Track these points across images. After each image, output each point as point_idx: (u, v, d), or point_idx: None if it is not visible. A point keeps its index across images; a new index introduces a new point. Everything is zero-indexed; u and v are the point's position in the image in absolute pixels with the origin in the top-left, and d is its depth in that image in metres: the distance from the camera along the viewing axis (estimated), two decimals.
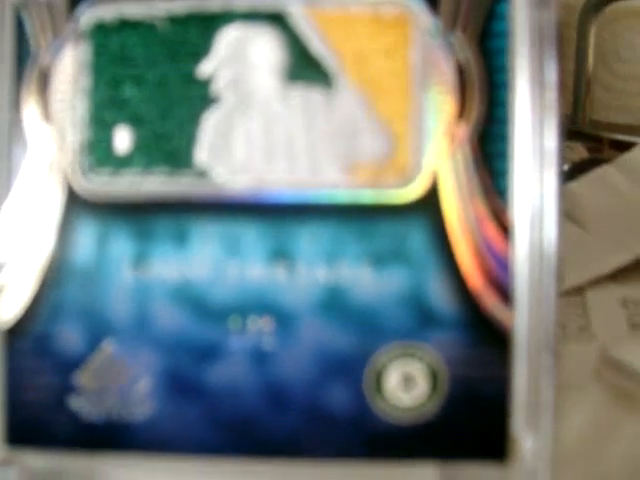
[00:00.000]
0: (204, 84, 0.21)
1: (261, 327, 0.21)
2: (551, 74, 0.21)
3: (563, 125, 0.21)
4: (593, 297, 0.35)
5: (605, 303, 0.35)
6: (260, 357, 0.21)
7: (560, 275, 0.21)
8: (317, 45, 0.21)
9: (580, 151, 0.50)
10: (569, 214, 0.41)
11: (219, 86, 0.21)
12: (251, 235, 0.21)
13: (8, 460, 0.22)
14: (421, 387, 0.21)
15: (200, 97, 0.21)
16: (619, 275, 0.36)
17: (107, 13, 0.21)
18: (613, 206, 0.40)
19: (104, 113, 0.21)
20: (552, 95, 0.21)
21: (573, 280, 0.35)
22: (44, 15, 0.21)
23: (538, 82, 0.21)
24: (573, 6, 0.53)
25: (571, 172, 0.45)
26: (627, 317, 0.33)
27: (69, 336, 0.21)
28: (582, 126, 0.52)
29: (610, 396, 0.27)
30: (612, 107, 0.54)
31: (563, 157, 0.21)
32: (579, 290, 0.35)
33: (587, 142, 0.51)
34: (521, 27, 0.21)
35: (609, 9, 0.51)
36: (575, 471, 0.23)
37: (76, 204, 0.21)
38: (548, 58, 0.21)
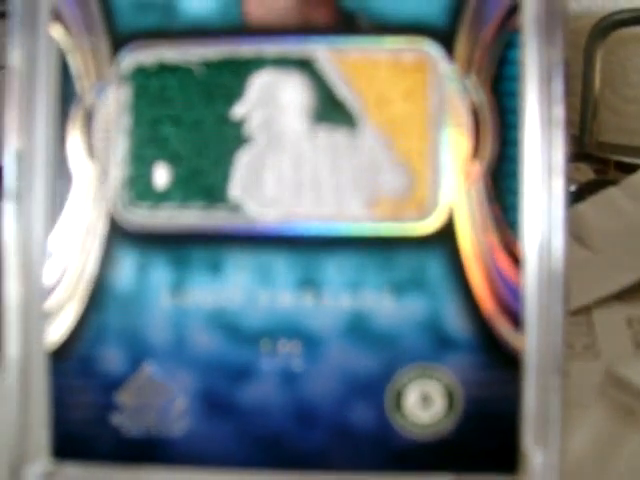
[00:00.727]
0: (238, 125, 0.22)
1: (290, 350, 0.22)
2: (559, 111, 0.22)
3: (570, 158, 0.22)
4: (599, 316, 0.36)
5: (611, 322, 0.35)
6: (289, 377, 0.22)
7: (567, 301, 0.22)
8: (342, 89, 0.22)
9: (586, 172, 0.51)
10: (576, 235, 0.41)
11: (251, 127, 0.22)
12: (281, 265, 0.22)
13: (53, 473, 0.23)
14: (438, 405, 0.22)
15: (234, 137, 0.22)
16: (625, 295, 0.37)
17: (147, 58, 0.22)
18: (618, 227, 0.41)
19: (144, 151, 0.22)
20: (559, 132, 0.22)
21: (580, 300, 0.36)
22: (88, 59, 0.23)
23: (547, 120, 0.22)
24: (581, 29, 0.54)
25: (578, 193, 0.45)
26: (632, 336, 0.34)
27: (111, 358, 0.22)
28: (589, 148, 0.53)
29: (614, 413, 0.28)
30: (619, 130, 0.54)
31: (569, 191, 0.22)
32: (586, 310, 0.36)
33: (593, 164, 0.51)
34: (531, 69, 0.22)
35: (616, 34, 0.52)
36: None
37: (118, 235, 0.22)
38: (556, 96, 0.22)
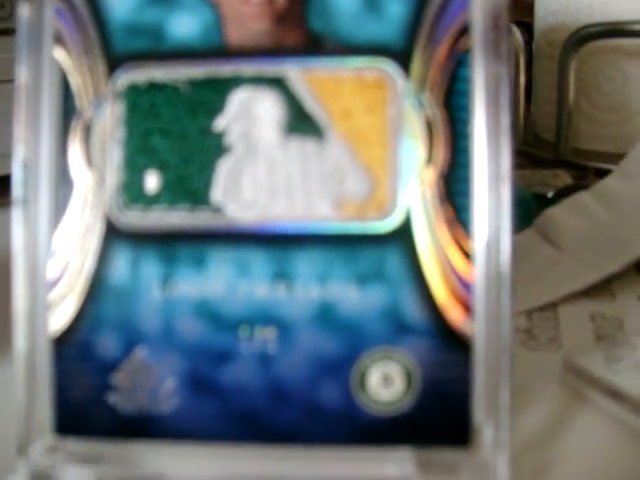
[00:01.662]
0: (219, 136, 0.24)
1: (266, 335, 0.24)
2: (505, 121, 0.24)
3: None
4: (565, 311, 0.37)
5: (575, 317, 0.37)
6: (265, 360, 0.24)
7: (514, 292, 0.24)
8: (310, 103, 0.24)
9: (564, 178, 0.52)
10: (547, 236, 0.43)
11: (231, 138, 0.24)
12: (258, 260, 0.24)
13: (56, 448, 0.25)
14: (398, 385, 0.24)
15: (215, 147, 0.24)
16: (590, 291, 0.39)
17: (139, 77, 0.25)
18: (587, 229, 0.43)
19: (136, 159, 0.25)
20: (506, 140, 0.24)
21: (549, 296, 0.38)
22: (87, 78, 0.25)
23: (494, 130, 0.24)
24: (556, 41, 0.56)
25: (555, 197, 0.47)
26: (594, 330, 0.36)
27: (107, 343, 0.24)
28: (564, 154, 0.55)
29: (568, 397, 0.30)
30: (595, 136, 0.56)
31: (515, 193, 0.24)
32: (553, 305, 0.38)
33: (572, 170, 0.53)
34: (479, 84, 0.24)
35: (589, 46, 0.53)
36: (530, 458, 0.26)
37: (114, 234, 0.24)
38: (503, 108, 0.24)
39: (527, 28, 0.64)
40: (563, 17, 0.57)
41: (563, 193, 0.48)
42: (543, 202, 0.47)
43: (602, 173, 0.49)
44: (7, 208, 0.25)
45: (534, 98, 0.62)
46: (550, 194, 0.48)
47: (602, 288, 0.39)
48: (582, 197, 0.45)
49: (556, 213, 0.44)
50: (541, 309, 0.38)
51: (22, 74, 0.25)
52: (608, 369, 0.31)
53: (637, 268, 0.41)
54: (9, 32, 0.53)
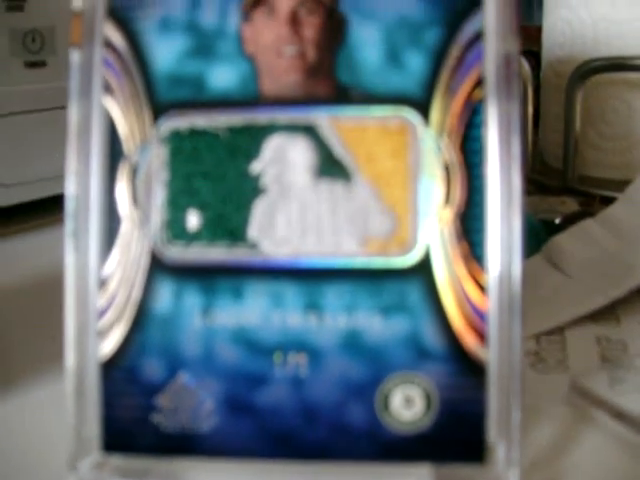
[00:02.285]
0: (255, 178, 0.26)
1: (298, 361, 0.26)
2: (516, 163, 0.25)
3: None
4: (572, 335, 0.39)
5: (582, 340, 0.38)
6: (297, 383, 0.26)
7: (524, 321, 0.25)
8: (339, 149, 0.26)
9: (571, 205, 0.53)
10: (555, 263, 0.44)
11: (266, 180, 0.26)
12: (290, 292, 0.26)
13: (103, 464, 0.26)
14: (418, 406, 0.26)
15: (252, 188, 0.26)
16: (596, 316, 0.40)
17: (181, 124, 0.27)
18: (593, 255, 0.44)
19: (179, 199, 0.26)
20: (517, 182, 0.25)
21: (556, 320, 0.39)
22: (134, 124, 0.27)
23: (506, 172, 0.25)
24: (563, 72, 0.58)
25: (562, 224, 0.49)
26: (599, 352, 0.37)
27: (152, 368, 0.26)
28: (571, 182, 0.56)
29: (576, 418, 0.31)
30: (600, 164, 0.57)
31: (525, 229, 0.26)
32: (560, 329, 0.39)
33: (579, 197, 0.54)
34: (492, 129, 0.25)
35: (594, 78, 0.55)
36: (539, 474, 0.28)
37: (158, 268, 0.26)
38: (514, 150, 0.25)
39: (535, 57, 0.66)
40: (569, 49, 0.58)
41: (570, 220, 0.49)
42: (550, 228, 0.49)
43: (608, 200, 0.50)
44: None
45: (542, 126, 0.64)
46: (557, 220, 0.50)
47: (607, 312, 0.41)
48: (588, 224, 0.46)
49: (563, 240, 0.45)
50: (549, 333, 0.39)
51: (73, 115, 0.27)
52: (612, 390, 0.32)
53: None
54: (39, 64, 0.56)
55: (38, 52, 0.56)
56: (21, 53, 0.55)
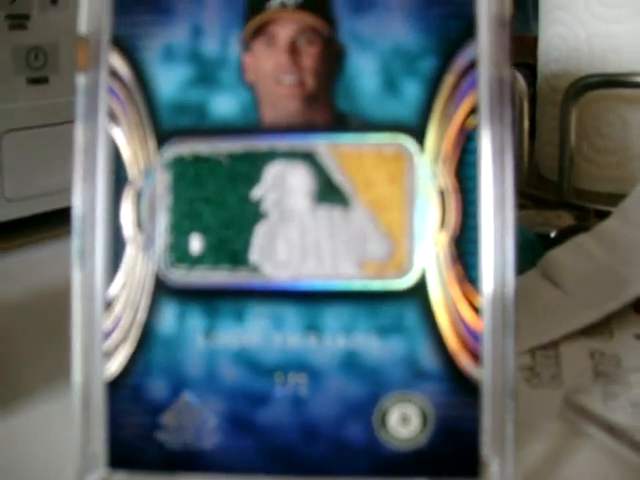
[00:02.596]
0: (256, 204, 0.27)
1: (298, 380, 0.27)
2: (509, 188, 0.26)
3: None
4: (566, 349, 0.39)
5: (576, 354, 0.39)
6: (297, 402, 0.27)
7: (517, 341, 0.26)
8: (337, 175, 0.27)
9: (567, 219, 0.53)
10: (550, 277, 0.45)
11: (267, 205, 0.27)
12: (290, 313, 0.27)
13: (107, 479, 0.27)
14: (414, 424, 0.26)
15: (253, 213, 0.27)
16: (590, 330, 0.41)
17: (184, 151, 0.27)
18: (587, 270, 0.45)
19: (182, 224, 0.27)
20: (510, 205, 0.26)
21: (551, 335, 0.40)
22: (138, 151, 0.28)
23: (499, 197, 0.26)
24: (559, 87, 0.59)
25: (557, 237, 0.49)
26: (593, 366, 0.38)
27: (156, 387, 0.27)
28: (566, 195, 0.57)
29: (568, 432, 0.32)
30: (595, 178, 0.58)
31: (518, 252, 0.27)
32: (555, 344, 0.40)
33: (575, 211, 0.54)
34: (485, 155, 0.26)
35: (589, 93, 0.56)
36: None
37: (162, 290, 0.27)
38: (507, 175, 0.26)
39: (532, 69, 0.67)
40: (564, 64, 0.60)
41: (565, 233, 0.50)
42: (546, 242, 0.49)
43: (603, 214, 0.51)
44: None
45: (538, 140, 0.65)
46: (553, 234, 0.50)
47: (601, 327, 0.42)
48: (583, 239, 0.47)
49: (558, 255, 0.46)
50: (543, 347, 0.40)
51: (79, 139, 0.28)
52: (605, 406, 0.33)
53: (634, 308, 0.43)
54: (42, 81, 0.57)
55: (41, 69, 0.57)
56: (24, 70, 0.56)
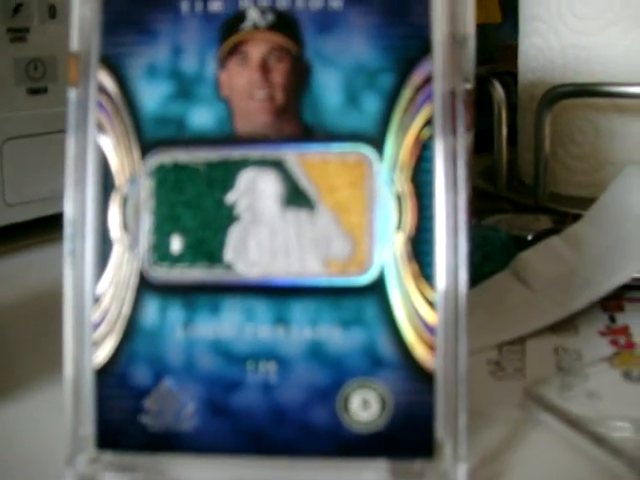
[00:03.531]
0: (230, 207, 0.29)
1: (268, 368, 0.28)
2: (462, 192, 0.28)
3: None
4: (532, 345, 0.42)
5: (540, 350, 0.41)
6: (267, 388, 0.28)
7: (469, 333, 0.28)
8: (303, 181, 0.29)
9: (545, 222, 0.55)
10: (520, 277, 0.47)
11: (240, 209, 0.29)
12: (261, 307, 0.28)
13: (96, 459, 0.29)
14: (374, 408, 0.28)
15: (227, 216, 0.29)
16: (556, 327, 0.43)
17: (166, 159, 0.30)
18: (556, 271, 0.47)
19: (163, 226, 0.29)
20: (462, 208, 0.28)
21: (518, 332, 0.42)
22: (124, 159, 0.30)
23: (452, 201, 0.28)
24: (535, 95, 0.60)
25: (534, 240, 0.51)
26: (556, 362, 0.40)
27: (140, 374, 0.29)
28: (542, 200, 0.58)
29: (525, 420, 0.34)
30: (570, 182, 0.60)
31: (470, 250, 0.29)
32: (522, 340, 0.42)
33: (552, 215, 0.56)
34: (439, 163, 0.28)
35: (563, 102, 0.58)
36: (486, 468, 0.31)
37: (145, 286, 0.29)
38: (460, 180, 0.28)
39: (515, 78, 0.69)
40: (541, 74, 0.61)
41: (541, 236, 0.51)
42: (523, 244, 0.51)
43: (579, 218, 0.52)
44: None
45: (519, 146, 0.67)
46: (530, 237, 0.52)
47: (567, 324, 0.44)
48: (553, 241, 0.49)
49: (529, 256, 0.48)
50: (511, 343, 0.42)
51: (70, 149, 0.30)
52: (561, 396, 0.35)
53: (601, 306, 0.46)
54: (41, 91, 0.59)
55: (40, 79, 0.59)
56: (24, 81, 0.58)
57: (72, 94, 0.30)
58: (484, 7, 0.92)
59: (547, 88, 0.57)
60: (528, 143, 0.63)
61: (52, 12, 0.59)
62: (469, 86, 0.30)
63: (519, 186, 0.65)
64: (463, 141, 0.29)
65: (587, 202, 0.52)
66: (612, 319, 0.44)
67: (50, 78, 0.59)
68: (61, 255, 0.53)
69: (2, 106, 0.57)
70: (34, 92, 0.59)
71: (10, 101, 0.57)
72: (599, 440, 0.32)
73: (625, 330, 0.43)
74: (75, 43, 0.31)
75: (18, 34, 0.57)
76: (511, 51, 0.72)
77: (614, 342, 0.42)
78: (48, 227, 0.60)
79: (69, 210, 0.30)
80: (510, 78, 0.70)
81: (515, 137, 0.67)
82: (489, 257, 0.49)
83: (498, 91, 0.62)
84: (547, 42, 0.61)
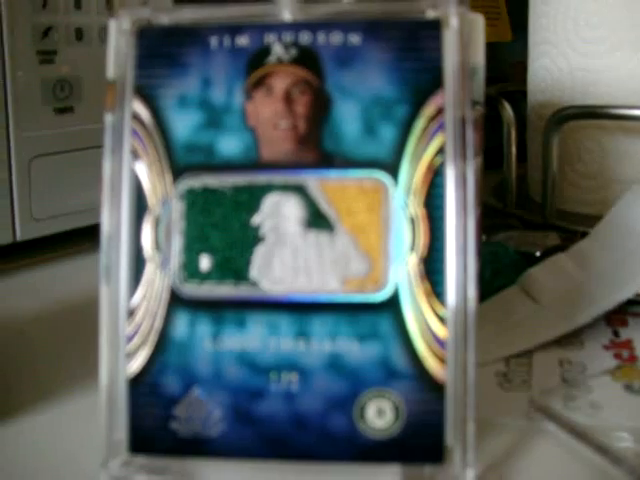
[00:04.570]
0: (255, 229, 0.30)
1: (290, 379, 0.30)
2: (471, 216, 0.30)
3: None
4: (538, 357, 0.43)
5: (546, 363, 0.42)
6: (289, 397, 0.30)
7: (478, 347, 0.30)
8: (324, 205, 0.31)
9: (553, 239, 0.56)
10: (528, 292, 0.48)
11: (264, 230, 0.30)
12: (284, 322, 0.30)
13: (129, 462, 0.31)
14: (389, 416, 0.29)
15: (253, 237, 0.31)
16: (563, 340, 0.44)
17: (196, 184, 0.31)
18: (563, 287, 0.48)
19: (193, 245, 0.31)
20: (472, 231, 0.30)
21: (525, 345, 0.44)
22: (156, 183, 0.32)
23: (462, 224, 0.30)
24: (544, 116, 0.62)
25: (542, 256, 0.52)
26: (561, 374, 0.41)
27: (170, 384, 0.31)
28: (550, 217, 0.59)
29: (531, 429, 0.36)
30: (578, 200, 0.61)
31: (480, 269, 0.31)
32: (529, 353, 0.43)
33: (561, 232, 0.57)
34: (450, 189, 0.30)
35: (570, 122, 0.59)
36: (493, 474, 0.32)
37: (176, 301, 0.31)
38: (469, 206, 0.30)
39: (525, 95, 0.70)
40: (550, 95, 0.63)
41: (549, 252, 0.53)
42: (532, 260, 0.52)
43: (586, 235, 0.53)
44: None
45: (528, 164, 0.68)
46: (538, 253, 0.54)
47: (573, 337, 0.45)
48: (559, 258, 0.50)
49: (537, 272, 0.49)
50: (518, 356, 0.43)
51: (107, 172, 0.32)
52: (565, 407, 0.37)
53: (606, 320, 0.47)
54: (67, 110, 0.61)
55: (66, 99, 0.61)
56: (51, 101, 0.60)
57: (109, 119, 0.32)
58: (495, 26, 0.94)
59: (555, 109, 0.59)
60: (537, 161, 0.65)
61: (79, 35, 0.61)
62: (479, 109, 0.32)
63: (528, 203, 0.66)
64: (473, 166, 0.31)
65: (594, 219, 0.53)
66: (616, 333, 0.46)
67: (76, 98, 0.61)
68: (86, 267, 0.55)
69: (30, 125, 0.59)
70: (60, 111, 0.61)
71: (37, 120, 0.59)
72: (601, 449, 0.33)
73: (628, 344, 0.44)
74: (111, 72, 0.33)
75: (47, 56, 0.59)
76: (522, 68, 0.74)
77: (617, 355, 0.43)
78: (73, 240, 0.62)
79: (105, 229, 0.32)
80: (520, 95, 0.72)
81: (524, 153, 0.68)
82: (499, 273, 0.51)
83: (507, 111, 0.64)
84: (556, 64, 0.62)
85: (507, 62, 0.90)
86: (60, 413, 0.38)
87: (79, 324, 0.48)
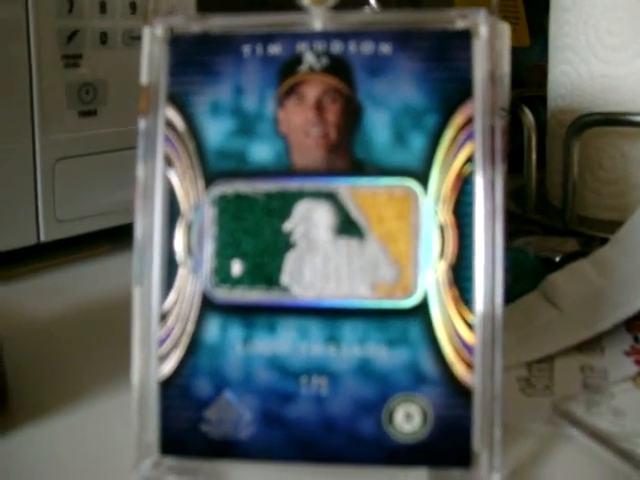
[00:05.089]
0: (287, 235, 0.31)
1: (320, 382, 0.30)
2: (499, 223, 0.30)
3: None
4: (559, 363, 0.43)
5: (568, 368, 0.43)
6: (319, 401, 0.30)
7: (505, 352, 0.30)
8: (354, 212, 0.31)
9: (573, 244, 0.57)
10: (549, 299, 0.49)
11: (296, 236, 0.31)
12: (314, 327, 0.30)
13: (160, 464, 0.31)
14: (417, 420, 0.30)
15: (284, 243, 0.31)
16: (583, 346, 0.45)
17: (228, 190, 0.32)
18: (583, 292, 0.48)
19: (225, 251, 0.31)
20: (500, 238, 0.30)
21: (547, 351, 0.44)
22: (189, 189, 0.32)
23: (490, 232, 0.30)
24: (565, 122, 0.62)
25: (561, 262, 0.53)
26: (582, 379, 0.41)
27: (202, 387, 0.31)
28: (571, 223, 0.60)
29: (554, 434, 0.36)
30: (599, 206, 0.62)
31: (507, 275, 0.31)
32: (550, 358, 0.44)
33: (581, 238, 0.58)
34: (479, 197, 0.30)
35: (591, 129, 0.60)
36: (518, 478, 0.33)
37: (208, 306, 0.31)
38: (498, 213, 0.30)
39: (544, 100, 0.71)
40: (570, 101, 0.63)
41: (569, 258, 0.53)
42: (551, 266, 0.53)
43: (607, 241, 0.53)
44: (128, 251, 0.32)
45: (548, 170, 0.69)
46: (557, 259, 0.54)
47: (593, 343, 0.45)
48: (580, 264, 0.51)
49: (558, 278, 0.50)
50: (540, 361, 0.44)
51: (140, 176, 0.32)
52: (588, 412, 0.37)
53: (626, 326, 0.47)
54: (91, 113, 0.62)
55: (90, 103, 0.62)
56: (75, 104, 0.61)
57: (142, 124, 0.33)
58: (513, 32, 0.94)
59: (576, 115, 0.60)
60: (557, 166, 0.65)
61: (104, 39, 0.61)
62: (504, 115, 0.33)
63: (548, 209, 0.66)
64: (501, 172, 0.31)
65: (614, 225, 0.53)
66: (636, 339, 0.46)
67: (100, 101, 0.62)
68: (109, 267, 0.56)
69: (54, 128, 0.59)
70: (85, 114, 0.61)
71: (62, 123, 0.60)
72: (624, 455, 0.34)
73: None
74: (145, 78, 0.33)
75: (72, 60, 0.60)
76: (538, 71, 0.74)
77: (638, 362, 0.43)
78: (96, 241, 0.63)
79: (138, 234, 0.32)
80: (538, 99, 0.72)
81: (544, 157, 0.69)
82: (519, 279, 0.51)
83: (528, 117, 0.64)
84: (576, 70, 0.63)
85: (523, 65, 0.90)
86: (89, 414, 0.39)
87: (103, 324, 0.49)
